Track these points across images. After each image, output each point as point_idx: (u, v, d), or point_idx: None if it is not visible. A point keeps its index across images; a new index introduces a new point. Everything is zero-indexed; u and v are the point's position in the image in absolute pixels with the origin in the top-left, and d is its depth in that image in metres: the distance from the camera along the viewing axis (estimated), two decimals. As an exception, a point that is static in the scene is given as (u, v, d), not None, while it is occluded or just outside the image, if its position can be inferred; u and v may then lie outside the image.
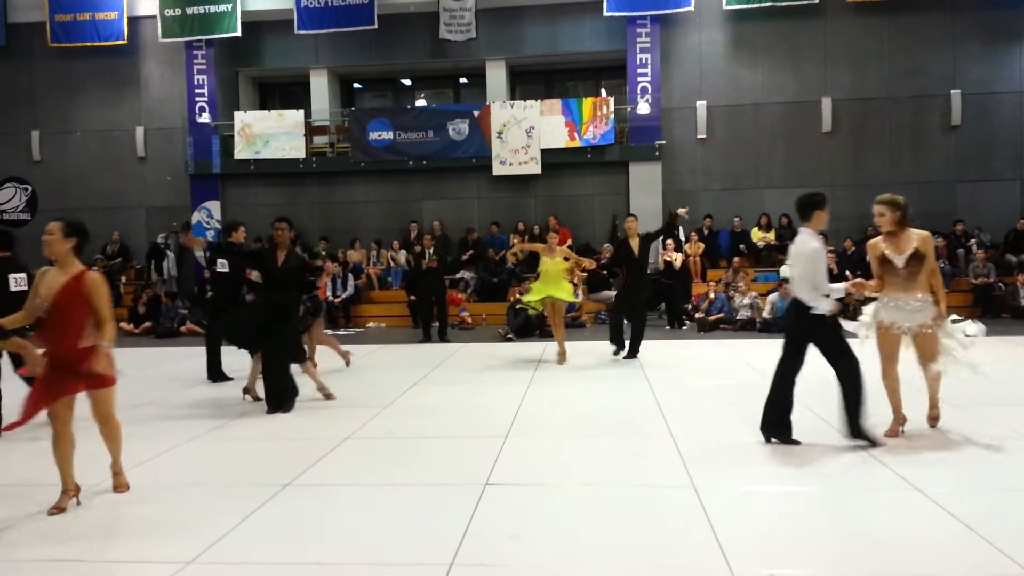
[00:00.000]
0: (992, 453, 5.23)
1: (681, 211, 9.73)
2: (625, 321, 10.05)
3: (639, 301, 9.94)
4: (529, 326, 13.01)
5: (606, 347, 10.25)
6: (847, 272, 14.33)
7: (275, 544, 3.94)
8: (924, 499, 4.32)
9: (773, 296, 13.21)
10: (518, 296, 13.63)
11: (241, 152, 17.43)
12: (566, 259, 9.86)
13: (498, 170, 16.88)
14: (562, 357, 9.80)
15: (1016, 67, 16.15)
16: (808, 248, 5.33)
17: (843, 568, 3.50)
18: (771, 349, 10.61)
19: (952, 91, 16.11)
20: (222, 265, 8.60)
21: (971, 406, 6.49)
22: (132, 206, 18.19)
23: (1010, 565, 3.44)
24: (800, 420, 6.32)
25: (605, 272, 13.58)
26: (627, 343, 9.97)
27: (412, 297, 14.49)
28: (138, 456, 5.41)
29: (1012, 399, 6.88)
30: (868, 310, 5.85)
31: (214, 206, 17.71)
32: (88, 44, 17.73)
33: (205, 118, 17.68)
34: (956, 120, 16.16)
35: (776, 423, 5.53)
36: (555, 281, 9.71)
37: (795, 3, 15.96)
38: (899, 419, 5.69)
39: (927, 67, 16.26)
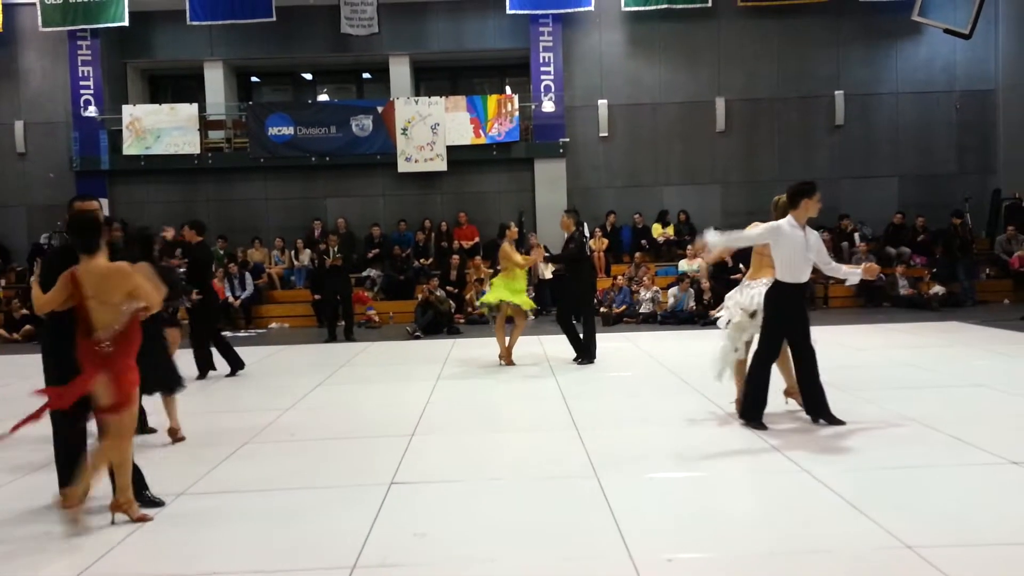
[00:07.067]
0: (875, 435, 5.54)
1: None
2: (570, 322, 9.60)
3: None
4: (437, 323, 12.94)
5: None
6: (740, 265, 14.91)
7: (166, 557, 3.77)
8: (812, 480, 4.54)
9: (674, 289, 13.61)
10: (425, 294, 13.54)
11: (130, 148, 16.60)
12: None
13: (403, 167, 16.70)
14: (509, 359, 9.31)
15: (894, 69, 17.13)
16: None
17: (738, 548, 3.63)
18: (672, 341, 11.04)
19: (836, 92, 16.95)
20: None
21: (857, 390, 6.86)
22: (12, 205, 17.09)
23: (888, 538, 3.66)
24: (695, 405, 6.55)
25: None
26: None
27: (317, 296, 14.18)
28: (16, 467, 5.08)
29: (894, 383, 7.31)
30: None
31: (102, 204, 16.81)
32: (-41, 32, 16.53)
33: (91, 112, 16.75)
34: (840, 119, 17.02)
35: (820, 405, 5.78)
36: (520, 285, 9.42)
37: (689, 6, 16.44)
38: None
39: (813, 69, 17.05)
